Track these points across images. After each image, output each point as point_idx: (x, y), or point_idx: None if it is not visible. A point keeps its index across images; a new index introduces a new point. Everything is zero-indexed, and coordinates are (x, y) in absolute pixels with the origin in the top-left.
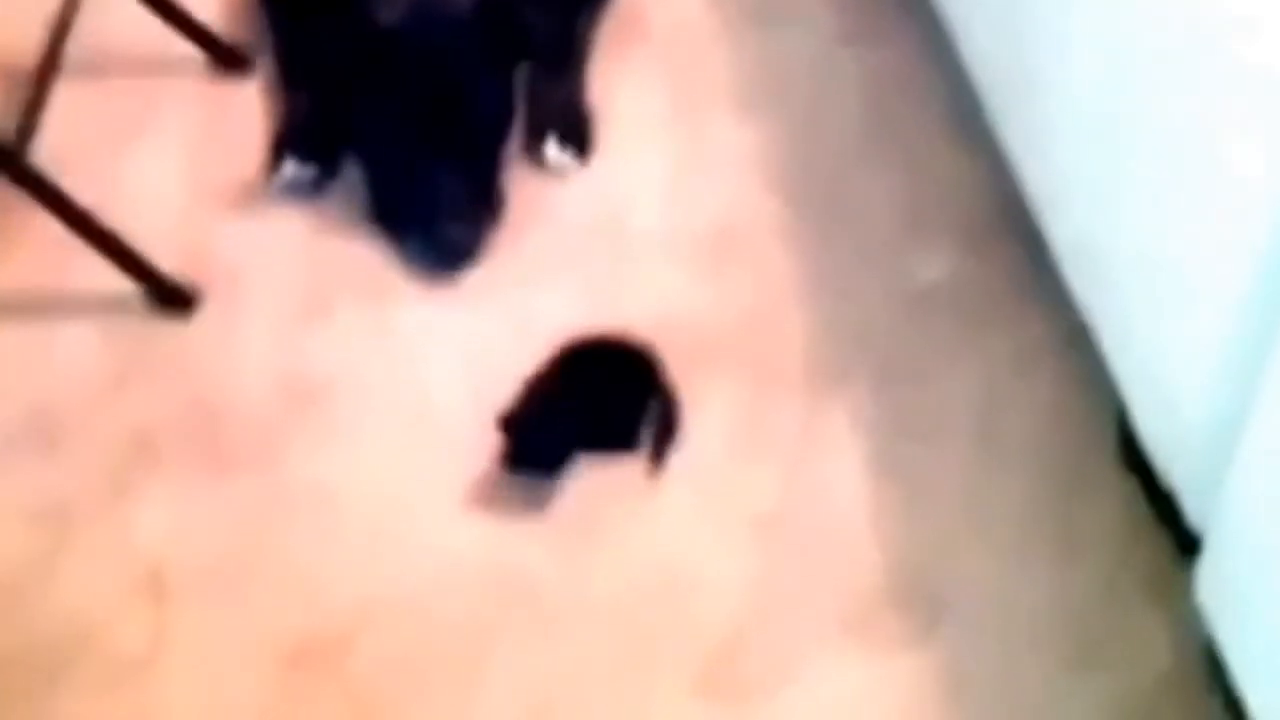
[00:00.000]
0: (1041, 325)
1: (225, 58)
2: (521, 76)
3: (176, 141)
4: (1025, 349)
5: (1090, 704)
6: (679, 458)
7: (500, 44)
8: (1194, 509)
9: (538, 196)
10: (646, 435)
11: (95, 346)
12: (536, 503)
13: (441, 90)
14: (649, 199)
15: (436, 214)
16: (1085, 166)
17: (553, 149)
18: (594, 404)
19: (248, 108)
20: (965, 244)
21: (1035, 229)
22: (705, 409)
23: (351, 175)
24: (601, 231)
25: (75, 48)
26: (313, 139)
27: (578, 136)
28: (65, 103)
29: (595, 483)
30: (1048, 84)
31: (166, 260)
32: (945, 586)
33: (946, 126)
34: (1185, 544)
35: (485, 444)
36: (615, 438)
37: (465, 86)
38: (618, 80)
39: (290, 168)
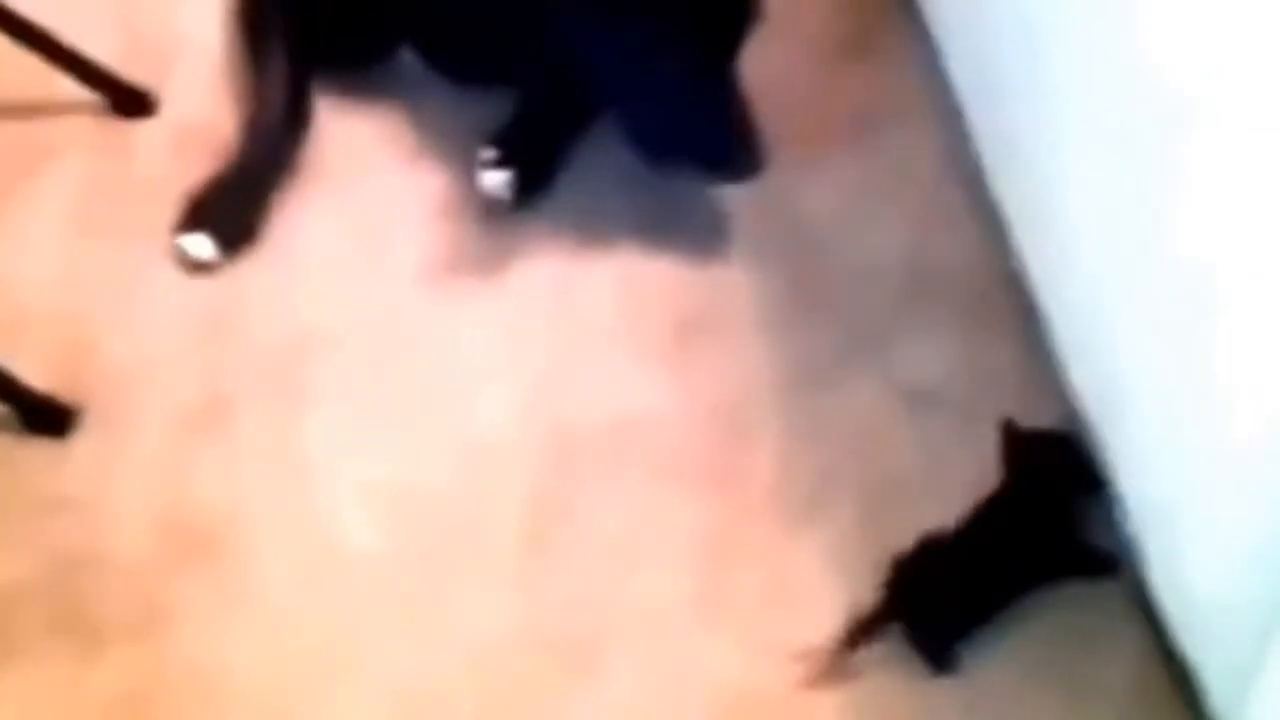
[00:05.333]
0: (1053, 420)
1: (124, 99)
2: None
3: (59, 200)
4: None
5: None
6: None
7: None
8: (1219, 696)
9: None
10: None
11: None
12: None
13: None
14: (603, 266)
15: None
16: (1085, 257)
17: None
18: None
19: (150, 157)
20: (968, 322)
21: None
22: (664, 536)
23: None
24: (547, 308)
25: None
26: (236, 209)
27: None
28: None
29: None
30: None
31: (37, 363)
32: None
33: (948, 169)
34: None
35: (405, 605)
36: None
37: None
38: None
39: (198, 245)
